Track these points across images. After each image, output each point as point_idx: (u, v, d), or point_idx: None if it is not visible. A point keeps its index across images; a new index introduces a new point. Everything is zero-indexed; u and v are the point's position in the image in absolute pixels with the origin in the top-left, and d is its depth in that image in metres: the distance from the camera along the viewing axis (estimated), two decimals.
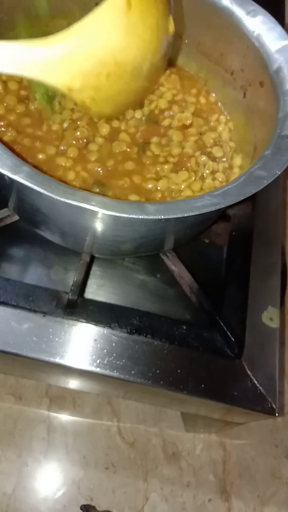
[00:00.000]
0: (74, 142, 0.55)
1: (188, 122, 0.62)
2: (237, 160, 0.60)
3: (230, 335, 0.56)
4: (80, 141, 0.55)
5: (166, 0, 0.40)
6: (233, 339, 0.56)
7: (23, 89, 0.59)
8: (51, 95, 0.58)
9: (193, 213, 0.39)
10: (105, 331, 0.54)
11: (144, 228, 0.47)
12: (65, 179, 0.53)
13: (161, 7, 0.38)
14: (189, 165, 0.58)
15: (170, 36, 0.43)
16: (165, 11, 0.39)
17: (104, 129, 0.56)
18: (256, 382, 0.54)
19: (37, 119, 0.57)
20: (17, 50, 0.33)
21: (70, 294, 0.55)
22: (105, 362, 0.53)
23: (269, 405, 0.53)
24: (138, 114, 0.59)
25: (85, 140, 0.55)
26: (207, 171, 0.58)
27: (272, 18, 0.54)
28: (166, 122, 0.61)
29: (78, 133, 0.55)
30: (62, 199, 0.37)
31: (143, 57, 0.37)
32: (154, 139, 0.59)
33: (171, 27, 0.43)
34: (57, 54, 0.33)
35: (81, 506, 0.96)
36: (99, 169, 0.54)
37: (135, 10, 0.33)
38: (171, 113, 0.62)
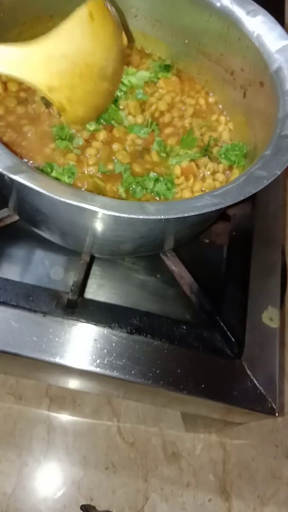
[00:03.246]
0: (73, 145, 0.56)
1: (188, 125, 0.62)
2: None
3: (230, 335, 0.56)
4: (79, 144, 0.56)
5: (117, 19, 0.49)
6: (233, 339, 0.56)
7: (22, 91, 0.59)
8: None
9: (193, 213, 0.39)
10: (105, 331, 0.54)
11: (144, 228, 0.47)
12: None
13: (115, 22, 0.47)
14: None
15: (125, 48, 0.51)
16: (118, 26, 0.49)
17: (101, 134, 0.57)
18: (256, 382, 0.54)
19: (36, 121, 0.57)
20: (4, 51, 0.38)
21: (70, 294, 0.55)
22: (105, 362, 0.53)
23: (269, 405, 0.53)
24: (139, 118, 0.59)
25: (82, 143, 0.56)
26: (208, 172, 0.58)
27: (272, 18, 0.54)
28: (167, 130, 0.61)
29: (79, 141, 0.56)
30: (62, 199, 0.37)
31: (106, 60, 0.45)
32: (154, 146, 0.59)
33: (125, 40, 0.52)
34: (38, 55, 0.39)
35: (81, 506, 0.96)
36: (98, 173, 0.55)
37: (96, 21, 0.41)
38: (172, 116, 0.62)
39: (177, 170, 0.57)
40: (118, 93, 0.59)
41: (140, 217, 0.38)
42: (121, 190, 0.54)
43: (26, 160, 0.54)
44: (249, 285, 0.60)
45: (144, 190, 0.54)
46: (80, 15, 0.41)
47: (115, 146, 0.57)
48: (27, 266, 0.63)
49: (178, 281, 0.61)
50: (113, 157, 0.56)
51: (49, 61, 0.39)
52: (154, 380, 0.52)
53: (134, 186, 0.54)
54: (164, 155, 0.59)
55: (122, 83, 0.60)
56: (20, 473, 0.99)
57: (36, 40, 0.40)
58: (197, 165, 0.58)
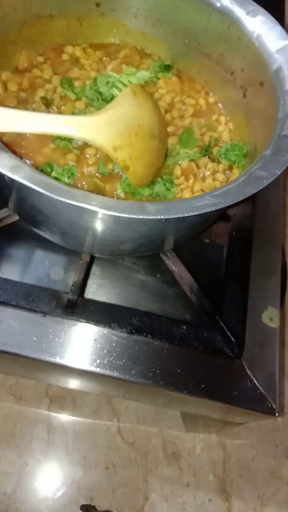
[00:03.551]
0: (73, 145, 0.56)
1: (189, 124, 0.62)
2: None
3: (230, 335, 0.56)
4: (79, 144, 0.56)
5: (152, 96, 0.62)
6: (233, 339, 0.56)
7: (22, 91, 0.59)
8: (50, 98, 0.58)
9: (193, 213, 0.39)
10: (105, 331, 0.54)
11: (144, 228, 0.47)
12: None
13: (152, 97, 0.61)
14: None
15: (163, 117, 0.62)
16: (154, 100, 0.61)
17: None
18: (256, 382, 0.54)
19: None
20: (79, 120, 0.49)
21: (70, 294, 0.55)
22: (105, 362, 0.53)
23: (269, 405, 0.53)
24: None
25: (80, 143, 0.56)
26: (208, 172, 0.58)
27: (272, 18, 0.54)
28: (168, 130, 0.61)
29: (78, 141, 0.56)
30: (62, 199, 0.37)
31: (153, 123, 0.55)
32: None
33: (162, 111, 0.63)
34: (102, 121, 0.49)
35: (81, 506, 0.96)
36: (98, 173, 0.55)
37: (138, 95, 0.54)
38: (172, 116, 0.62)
39: (177, 170, 0.57)
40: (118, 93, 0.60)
41: (140, 217, 0.38)
42: (120, 191, 0.54)
43: (26, 160, 0.54)
44: (249, 285, 0.60)
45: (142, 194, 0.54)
46: (126, 92, 0.53)
47: None
48: (27, 266, 0.63)
49: (178, 281, 0.61)
50: None
51: (110, 125, 0.49)
52: (154, 380, 0.52)
53: (132, 188, 0.54)
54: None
55: (122, 83, 0.60)
56: (20, 473, 0.99)
57: (98, 111, 0.52)
58: (197, 165, 0.58)
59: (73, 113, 0.58)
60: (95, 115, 0.50)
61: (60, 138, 0.55)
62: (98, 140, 0.49)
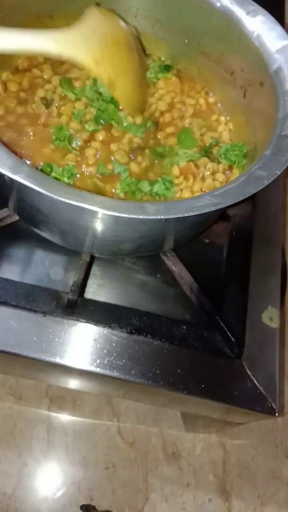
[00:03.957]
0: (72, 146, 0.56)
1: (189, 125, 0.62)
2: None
3: (230, 335, 0.56)
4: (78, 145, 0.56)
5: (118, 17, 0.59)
6: (233, 339, 0.56)
7: (22, 91, 0.59)
8: (50, 98, 0.58)
9: (193, 213, 0.39)
10: (105, 331, 0.54)
11: (144, 228, 0.47)
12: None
13: (116, 17, 0.59)
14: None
15: (136, 35, 0.61)
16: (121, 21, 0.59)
17: (100, 135, 0.57)
18: (256, 382, 0.54)
19: (35, 121, 0.57)
20: (51, 34, 0.47)
21: (70, 294, 0.55)
22: (105, 362, 0.53)
23: (269, 405, 0.53)
24: (138, 119, 0.59)
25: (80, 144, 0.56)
26: (207, 172, 0.58)
27: (272, 18, 0.54)
28: (168, 130, 0.61)
29: (78, 141, 0.56)
30: (62, 199, 0.37)
31: (127, 35, 0.54)
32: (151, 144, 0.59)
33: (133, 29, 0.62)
34: (78, 35, 0.48)
35: (81, 506, 0.96)
36: (98, 174, 0.55)
37: (104, 13, 0.53)
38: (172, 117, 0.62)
39: (175, 170, 0.57)
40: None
41: (140, 217, 0.38)
42: (119, 191, 0.54)
43: (26, 160, 0.54)
44: (249, 285, 0.60)
45: (142, 193, 0.54)
46: (90, 9, 0.52)
47: (113, 146, 0.57)
48: (27, 266, 0.63)
49: (178, 281, 0.61)
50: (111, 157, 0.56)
51: (86, 39, 0.48)
52: (154, 380, 0.52)
53: (132, 188, 0.54)
54: (159, 155, 0.59)
55: None
56: (20, 473, 0.99)
57: (70, 26, 0.49)
58: (196, 165, 0.58)
59: (72, 114, 0.58)
60: (70, 29, 0.49)
61: (59, 139, 0.55)
62: (78, 55, 0.48)
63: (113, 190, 0.54)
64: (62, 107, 0.58)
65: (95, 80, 0.60)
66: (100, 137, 0.56)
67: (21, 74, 0.60)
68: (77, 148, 0.56)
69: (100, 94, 0.59)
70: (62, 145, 0.55)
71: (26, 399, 1.06)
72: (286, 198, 0.91)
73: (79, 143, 0.56)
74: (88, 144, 0.56)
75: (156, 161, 0.58)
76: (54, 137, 0.55)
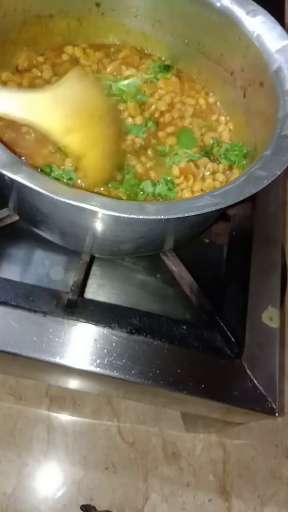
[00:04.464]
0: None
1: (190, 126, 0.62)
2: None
3: (230, 335, 0.56)
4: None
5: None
6: (233, 339, 0.56)
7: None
8: None
9: (193, 213, 0.39)
10: (105, 331, 0.54)
11: (144, 228, 0.47)
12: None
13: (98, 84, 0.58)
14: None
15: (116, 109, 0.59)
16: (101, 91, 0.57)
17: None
18: (256, 382, 0.54)
19: None
20: (17, 95, 0.43)
21: (70, 294, 0.55)
22: (105, 362, 0.53)
23: (269, 405, 0.53)
24: (138, 119, 0.60)
25: None
26: (207, 173, 0.58)
27: (272, 18, 0.54)
28: (168, 130, 0.61)
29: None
30: (62, 199, 0.37)
31: (105, 106, 0.51)
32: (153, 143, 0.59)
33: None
34: (48, 99, 0.43)
35: (81, 506, 0.96)
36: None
37: (85, 79, 0.50)
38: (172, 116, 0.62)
39: (175, 171, 0.57)
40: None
41: (140, 217, 0.38)
42: (121, 194, 0.54)
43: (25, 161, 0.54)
44: (249, 285, 0.60)
45: (145, 194, 0.54)
46: (72, 73, 0.48)
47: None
48: (27, 266, 0.63)
49: (178, 281, 0.61)
50: None
51: (58, 104, 0.44)
52: (154, 380, 0.52)
53: (135, 189, 0.54)
54: (161, 155, 0.59)
55: (113, 91, 0.60)
56: (20, 473, 0.99)
57: (42, 89, 0.46)
58: (196, 165, 0.58)
59: None
60: (40, 92, 0.44)
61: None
62: (43, 121, 0.43)
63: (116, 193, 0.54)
64: None
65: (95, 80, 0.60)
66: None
67: (21, 74, 0.60)
68: None
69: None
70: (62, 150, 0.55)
71: (26, 399, 1.06)
72: (286, 198, 0.91)
73: None
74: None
75: (158, 161, 0.58)
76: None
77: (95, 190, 0.53)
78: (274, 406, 0.53)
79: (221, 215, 0.64)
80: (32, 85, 0.59)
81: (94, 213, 0.42)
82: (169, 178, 0.55)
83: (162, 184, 0.54)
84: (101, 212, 0.38)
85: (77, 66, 0.54)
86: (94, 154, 0.47)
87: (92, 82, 0.53)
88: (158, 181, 0.55)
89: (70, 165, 0.54)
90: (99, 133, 0.48)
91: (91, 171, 0.48)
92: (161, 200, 0.55)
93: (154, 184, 0.54)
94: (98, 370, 0.52)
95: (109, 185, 0.54)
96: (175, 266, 0.61)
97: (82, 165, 0.47)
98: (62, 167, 0.53)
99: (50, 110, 0.43)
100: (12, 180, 0.38)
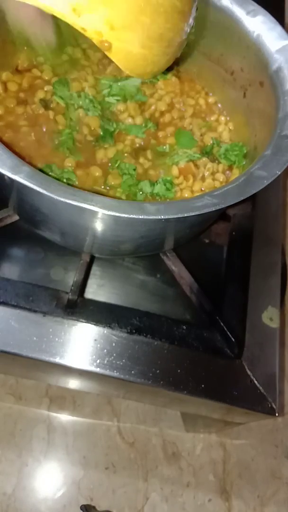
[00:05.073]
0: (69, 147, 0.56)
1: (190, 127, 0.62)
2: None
3: (230, 335, 0.56)
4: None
5: None
6: (233, 339, 0.56)
7: (22, 91, 0.59)
8: (49, 100, 0.58)
9: (193, 213, 0.39)
10: (105, 331, 0.54)
11: (144, 228, 0.47)
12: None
13: None
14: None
15: None
16: None
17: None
18: (256, 382, 0.54)
19: (34, 122, 0.57)
20: None
21: (70, 294, 0.55)
22: (105, 362, 0.53)
23: (269, 405, 0.53)
24: (138, 119, 0.60)
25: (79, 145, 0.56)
26: (207, 173, 0.58)
27: (272, 18, 0.54)
28: (168, 130, 0.61)
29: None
30: (62, 199, 0.37)
31: None
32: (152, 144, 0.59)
33: None
34: None
35: (81, 506, 0.96)
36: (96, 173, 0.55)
37: None
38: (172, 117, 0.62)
39: (174, 171, 0.57)
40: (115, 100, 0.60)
41: (140, 217, 0.38)
42: (119, 194, 0.54)
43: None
44: (249, 285, 0.60)
45: (144, 194, 0.54)
46: None
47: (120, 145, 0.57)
48: (27, 266, 0.63)
49: (178, 281, 0.61)
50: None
51: None
52: (154, 380, 0.52)
53: (134, 190, 0.54)
54: (160, 155, 0.59)
55: (113, 91, 0.60)
56: (20, 473, 0.99)
57: None
58: (196, 165, 0.58)
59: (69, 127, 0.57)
60: None
61: (57, 147, 0.54)
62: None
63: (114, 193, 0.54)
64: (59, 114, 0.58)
65: (95, 80, 0.60)
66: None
67: (21, 75, 0.60)
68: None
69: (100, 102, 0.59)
70: (61, 150, 0.55)
71: (26, 399, 1.05)
72: (286, 198, 0.91)
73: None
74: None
75: (158, 161, 0.58)
76: (54, 142, 0.55)
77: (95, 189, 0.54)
78: (274, 406, 0.53)
79: (221, 215, 0.64)
80: (32, 86, 0.59)
81: (94, 213, 0.42)
82: (168, 178, 0.55)
83: (161, 184, 0.54)
84: (101, 212, 0.38)
85: None
86: (131, 36, 0.31)
87: None
88: (156, 181, 0.55)
89: (70, 165, 0.54)
90: (147, 3, 0.30)
91: (129, 63, 0.33)
92: (159, 200, 0.55)
93: (152, 184, 0.54)
94: (98, 370, 0.52)
95: (107, 186, 0.54)
96: (175, 266, 0.61)
97: (113, 55, 0.32)
98: (61, 169, 0.53)
99: None
100: (12, 180, 0.38)
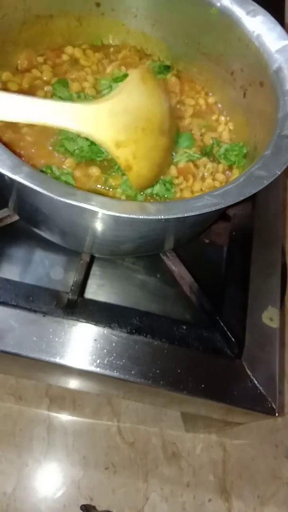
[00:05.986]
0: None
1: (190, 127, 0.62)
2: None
3: (230, 335, 0.56)
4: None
5: (162, 83, 0.55)
6: (233, 339, 0.56)
7: (22, 92, 0.59)
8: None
9: (193, 213, 0.39)
10: (105, 331, 0.54)
11: (144, 228, 0.47)
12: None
13: (161, 84, 0.54)
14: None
15: (173, 108, 0.56)
16: (164, 89, 0.55)
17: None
18: (256, 382, 0.54)
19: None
20: (73, 108, 0.42)
21: (70, 294, 0.55)
22: (105, 362, 0.53)
23: (269, 405, 0.53)
24: None
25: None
26: (207, 173, 0.58)
27: (272, 18, 0.54)
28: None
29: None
30: (62, 199, 0.37)
31: (163, 116, 0.48)
32: None
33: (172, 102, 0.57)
34: (103, 111, 0.42)
35: (81, 506, 0.96)
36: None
37: (147, 83, 0.47)
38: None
39: (173, 171, 0.57)
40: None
41: (140, 217, 0.38)
42: (119, 194, 0.54)
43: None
44: (249, 285, 0.60)
45: (144, 194, 0.54)
46: (134, 77, 0.47)
47: None
48: (27, 266, 0.63)
49: (178, 281, 0.61)
50: None
51: (114, 116, 0.42)
52: (154, 380, 0.52)
53: (133, 189, 0.54)
54: None
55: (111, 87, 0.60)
56: (20, 473, 0.99)
57: (99, 99, 0.45)
58: (196, 165, 0.58)
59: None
60: (97, 103, 0.44)
61: (58, 144, 0.54)
62: (98, 134, 0.42)
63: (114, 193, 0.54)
64: None
65: (94, 80, 0.60)
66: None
67: (21, 75, 0.60)
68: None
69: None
70: (61, 151, 0.55)
71: (26, 399, 1.05)
72: (286, 198, 0.91)
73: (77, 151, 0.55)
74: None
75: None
76: (54, 143, 0.55)
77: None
78: (274, 406, 0.53)
79: (221, 215, 0.64)
80: (32, 87, 0.59)
81: (94, 213, 0.42)
82: (167, 178, 0.55)
83: (160, 184, 0.54)
84: (101, 212, 0.38)
85: (141, 66, 0.50)
86: (144, 164, 0.46)
87: (154, 86, 0.48)
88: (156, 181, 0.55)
89: (68, 165, 0.54)
90: (154, 143, 0.47)
91: (137, 180, 0.46)
92: (159, 200, 0.55)
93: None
94: (98, 370, 0.52)
95: (107, 186, 0.54)
96: (175, 266, 0.61)
97: (130, 175, 0.45)
98: (61, 170, 0.53)
99: (105, 123, 0.42)
100: (12, 180, 0.38)
